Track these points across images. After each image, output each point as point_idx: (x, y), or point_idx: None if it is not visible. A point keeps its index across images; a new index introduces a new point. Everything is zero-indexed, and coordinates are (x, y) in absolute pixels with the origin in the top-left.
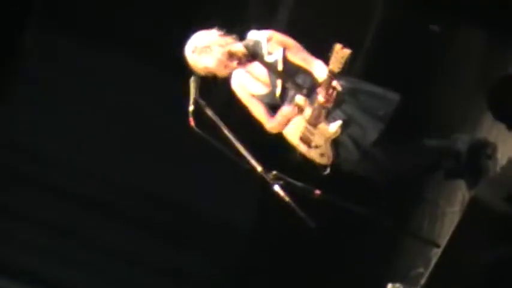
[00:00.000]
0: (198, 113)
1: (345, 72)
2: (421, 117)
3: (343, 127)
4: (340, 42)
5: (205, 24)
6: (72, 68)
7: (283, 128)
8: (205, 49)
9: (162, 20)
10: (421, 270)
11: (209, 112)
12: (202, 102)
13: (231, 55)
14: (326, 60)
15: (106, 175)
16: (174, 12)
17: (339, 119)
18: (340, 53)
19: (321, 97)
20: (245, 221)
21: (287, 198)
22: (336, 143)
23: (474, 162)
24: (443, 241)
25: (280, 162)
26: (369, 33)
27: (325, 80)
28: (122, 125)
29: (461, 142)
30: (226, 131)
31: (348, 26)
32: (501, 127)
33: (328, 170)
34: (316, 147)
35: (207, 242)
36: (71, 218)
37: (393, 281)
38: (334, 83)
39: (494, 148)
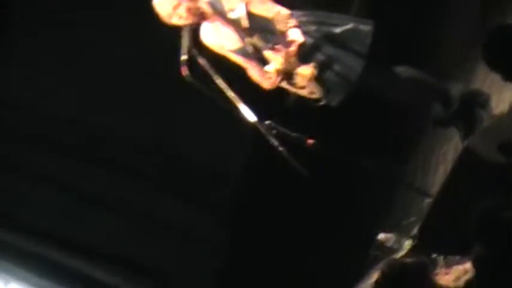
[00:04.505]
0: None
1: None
2: (414, 66)
3: (325, 66)
4: None
5: None
6: (54, 19)
7: (275, 81)
8: None
9: None
10: (413, 219)
11: (202, 61)
12: (195, 51)
13: (189, 9)
14: None
15: (96, 123)
16: None
17: (318, 60)
18: None
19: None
20: (239, 171)
21: (281, 148)
22: (322, 80)
23: (467, 111)
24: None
25: (274, 111)
26: None
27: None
28: (111, 75)
29: (455, 90)
30: (219, 81)
31: None
32: (495, 77)
33: (323, 101)
34: (303, 87)
35: (200, 190)
36: (52, 164)
37: (385, 230)
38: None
39: (487, 98)
